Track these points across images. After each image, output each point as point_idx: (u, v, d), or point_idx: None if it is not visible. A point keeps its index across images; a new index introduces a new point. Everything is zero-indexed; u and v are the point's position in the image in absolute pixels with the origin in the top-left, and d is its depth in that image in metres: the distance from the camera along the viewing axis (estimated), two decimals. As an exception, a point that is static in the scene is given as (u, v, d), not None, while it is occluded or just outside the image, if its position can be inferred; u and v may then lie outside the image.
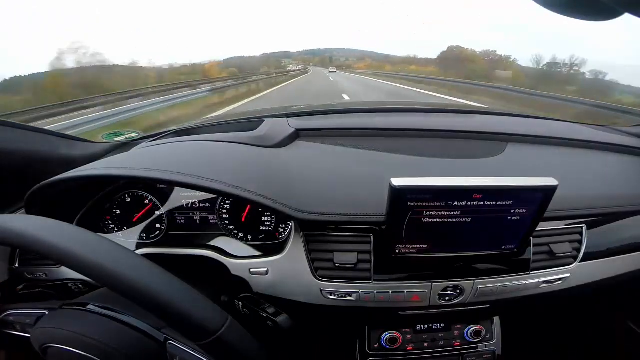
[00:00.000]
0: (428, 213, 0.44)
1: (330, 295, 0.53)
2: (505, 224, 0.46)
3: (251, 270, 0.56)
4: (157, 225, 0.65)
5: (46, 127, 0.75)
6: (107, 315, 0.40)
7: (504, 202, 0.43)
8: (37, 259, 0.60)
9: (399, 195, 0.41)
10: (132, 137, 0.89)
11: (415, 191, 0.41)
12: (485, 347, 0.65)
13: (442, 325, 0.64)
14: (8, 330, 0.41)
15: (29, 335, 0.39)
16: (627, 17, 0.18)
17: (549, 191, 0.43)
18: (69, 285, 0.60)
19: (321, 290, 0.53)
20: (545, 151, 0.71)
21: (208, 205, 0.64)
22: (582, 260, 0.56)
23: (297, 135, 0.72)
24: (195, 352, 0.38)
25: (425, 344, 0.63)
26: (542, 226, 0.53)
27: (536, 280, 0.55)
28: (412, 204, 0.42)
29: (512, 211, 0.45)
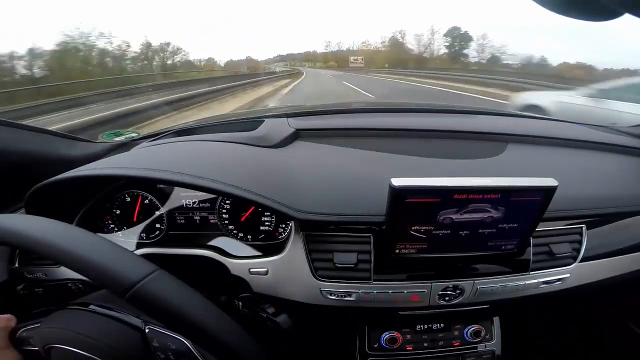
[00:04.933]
0: (428, 213, 0.44)
1: (330, 295, 0.53)
2: (505, 224, 0.46)
3: (251, 270, 0.56)
4: (157, 225, 0.65)
5: (46, 127, 0.75)
6: (108, 315, 0.40)
7: (504, 202, 0.43)
8: (36, 258, 0.60)
9: (399, 196, 0.41)
10: (132, 137, 0.89)
11: (415, 191, 0.41)
12: (485, 347, 0.65)
13: (442, 325, 0.64)
14: (24, 346, 0.41)
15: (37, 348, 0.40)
16: (627, 17, 0.18)
17: (549, 191, 0.43)
18: (69, 285, 0.60)
19: (321, 291, 0.53)
20: (545, 151, 0.71)
21: (208, 205, 0.64)
22: (581, 261, 0.56)
23: (297, 135, 0.72)
24: (168, 332, 0.38)
25: (425, 344, 0.63)
26: (542, 226, 0.53)
27: (536, 281, 0.55)
28: (412, 204, 0.42)
29: (512, 211, 0.45)
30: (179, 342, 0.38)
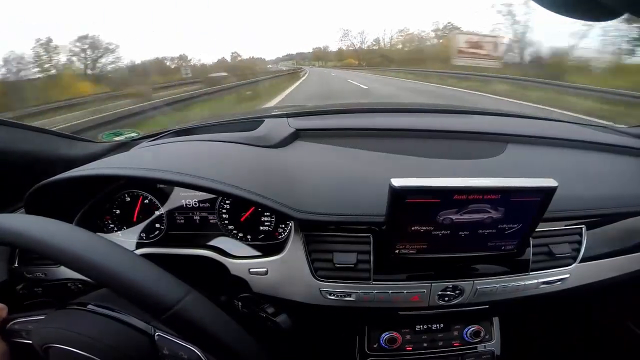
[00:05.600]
0: (428, 213, 0.44)
1: (330, 295, 0.53)
2: (505, 225, 0.46)
3: (251, 270, 0.56)
4: (157, 225, 0.65)
5: (46, 127, 0.75)
6: (107, 315, 0.40)
7: (504, 203, 0.43)
8: (36, 258, 0.60)
9: (398, 196, 0.41)
10: (132, 137, 0.89)
11: (415, 191, 0.41)
12: (485, 348, 0.65)
13: (442, 325, 0.64)
14: (15, 338, 0.41)
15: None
16: (627, 17, 0.18)
17: (549, 192, 0.43)
18: (68, 284, 0.60)
19: (321, 291, 0.53)
20: (545, 151, 0.71)
21: (208, 205, 0.64)
22: (581, 261, 0.56)
23: (297, 135, 0.72)
24: (180, 342, 0.38)
25: (425, 344, 0.63)
26: (542, 227, 0.53)
27: (535, 281, 0.55)
28: (411, 204, 0.42)
29: (512, 212, 0.45)
30: (191, 351, 0.38)
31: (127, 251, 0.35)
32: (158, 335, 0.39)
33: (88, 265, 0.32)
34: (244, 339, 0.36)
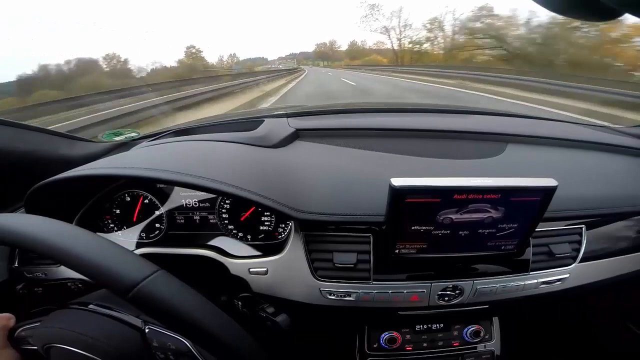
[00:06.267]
0: (428, 213, 0.44)
1: (330, 295, 0.53)
2: (505, 224, 0.46)
3: (250, 270, 0.56)
4: (157, 225, 0.65)
5: (46, 127, 0.75)
6: (108, 314, 0.40)
7: (504, 202, 0.43)
8: (36, 258, 0.60)
9: (398, 195, 0.41)
10: (132, 137, 0.89)
11: (415, 191, 0.41)
12: (485, 348, 0.65)
13: (442, 325, 0.64)
14: (23, 345, 0.42)
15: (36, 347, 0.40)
16: (627, 17, 0.18)
17: (549, 191, 0.43)
18: (68, 284, 0.60)
19: (321, 291, 0.53)
20: (545, 151, 0.71)
21: (208, 205, 0.64)
22: (581, 261, 0.56)
23: (297, 135, 0.72)
24: (167, 332, 0.38)
25: (425, 344, 0.63)
26: (542, 227, 0.53)
27: (535, 281, 0.55)
28: (411, 203, 0.42)
29: (512, 211, 0.45)
30: (179, 342, 0.38)
31: (93, 234, 0.35)
32: (148, 328, 0.39)
33: (56, 248, 0.32)
34: (215, 314, 0.34)
